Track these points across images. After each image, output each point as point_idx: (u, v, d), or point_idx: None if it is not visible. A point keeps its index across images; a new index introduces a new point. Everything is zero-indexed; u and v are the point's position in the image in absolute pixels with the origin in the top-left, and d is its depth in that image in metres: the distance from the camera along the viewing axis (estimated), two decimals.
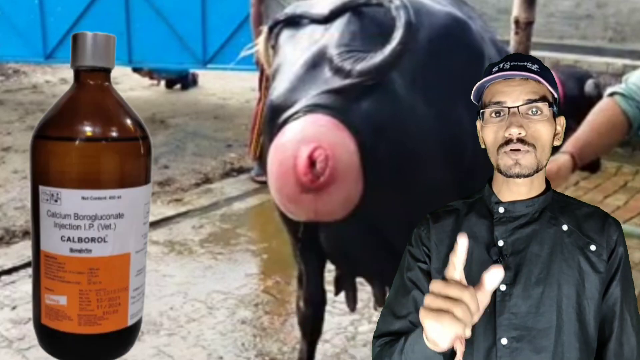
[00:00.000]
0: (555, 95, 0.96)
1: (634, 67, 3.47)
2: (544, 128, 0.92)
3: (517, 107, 0.92)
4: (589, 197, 4.54)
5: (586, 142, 1.96)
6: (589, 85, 2.46)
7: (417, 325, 0.93)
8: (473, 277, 0.93)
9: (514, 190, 0.96)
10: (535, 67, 0.94)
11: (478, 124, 1.00)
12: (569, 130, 2.06)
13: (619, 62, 6.01)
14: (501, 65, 0.95)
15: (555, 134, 0.96)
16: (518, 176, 0.92)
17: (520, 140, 0.91)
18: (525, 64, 0.94)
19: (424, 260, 1.01)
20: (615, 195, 4.64)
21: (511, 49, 2.28)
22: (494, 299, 0.93)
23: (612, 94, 2.02)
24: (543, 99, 0.93)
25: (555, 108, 0.95)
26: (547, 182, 1.00)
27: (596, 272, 0.94)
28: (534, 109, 0.92)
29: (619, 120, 1.99)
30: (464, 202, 1.03)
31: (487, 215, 0.98)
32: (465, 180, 1.78)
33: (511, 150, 0.91)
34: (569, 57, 6.18)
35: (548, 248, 0.94)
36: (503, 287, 0.93)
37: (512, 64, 0.94)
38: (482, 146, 0.99)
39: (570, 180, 3.99)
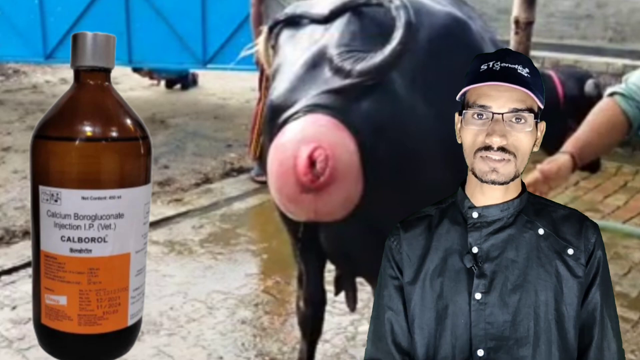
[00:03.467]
0: (541, 106, 0.92)
1: (634, 67, 3.47)
2: (525, 138, 0.90)
3: (502, 114, 0.89)
4: (589, 197, 4.55)
5: (586, 142, 1.96)
6: (589, 85, 2.45)
7: (398, 346, 0.93)
8: (447, 287, 0.92)
9: (489, 195, 0.93)
10: (525, 71, 0.90)
11: (457, 117, 0.96)
12: (569, 130, 2.07)
13: (619, 62, 6.01)
14: (490, 64, 0.91)
15: (534, 141, 0.93)
16: (494, 183, 0.90)
17: (501, 149, 0.89)
18: (516, 67, 0.90)
19: (396, 276, 0.97)
20: (615, 195, 4.64)
21: (511, 49, 2.27)
22: (469, 309, 0.90)
23: (612, 94, 2.02)
24: (529, 110, 0.90)
25: (539, 119, 0.92)
26: (523, 184, 0.97)
27: (574, 277, 0.91)
28: (519, 118, 0.89)
29: (619, 120, 1.99)
30: (436, 208, 1.00)
31: (461, 221, 0.95)
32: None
33: (488, 157, 0.89)
34: (569, 57, 6.19)
35: (524, 253, 0.91)
36: (478, 296, 0.90)
37: (502, 65, 0.90)
38: (459, 141, 0.95)
39: (570, 180, 3.98)
